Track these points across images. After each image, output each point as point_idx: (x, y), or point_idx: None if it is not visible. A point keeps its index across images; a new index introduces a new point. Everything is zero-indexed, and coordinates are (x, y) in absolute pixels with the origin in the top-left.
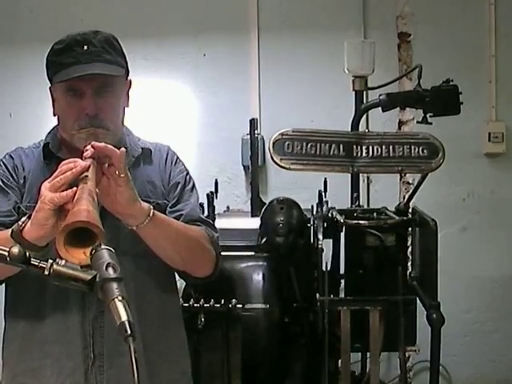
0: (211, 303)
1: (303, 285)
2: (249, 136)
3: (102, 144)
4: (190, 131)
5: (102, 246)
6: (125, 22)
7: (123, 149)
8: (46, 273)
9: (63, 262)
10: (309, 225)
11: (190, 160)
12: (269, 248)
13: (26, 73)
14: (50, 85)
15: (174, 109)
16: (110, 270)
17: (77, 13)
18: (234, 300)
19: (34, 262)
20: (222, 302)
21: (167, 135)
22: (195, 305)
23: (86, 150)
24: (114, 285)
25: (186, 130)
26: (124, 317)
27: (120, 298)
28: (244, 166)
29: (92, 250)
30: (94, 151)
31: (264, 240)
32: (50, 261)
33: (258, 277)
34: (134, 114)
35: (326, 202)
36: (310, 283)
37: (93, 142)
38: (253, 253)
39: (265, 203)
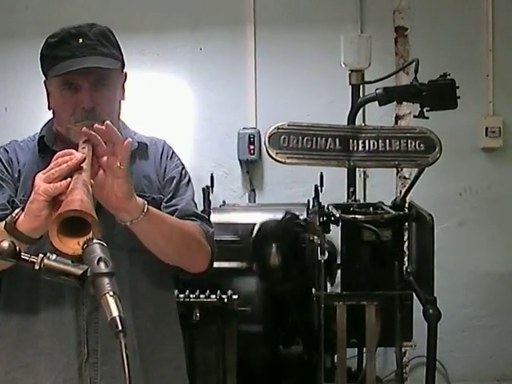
0: (206, 293)
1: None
2: (245, 130)
3: (115, 128)
4: (186, 125)
5: (94, 240)
6: (121, 16)
7: (130, 139)
8: (37, 267)
9: (54, 256)
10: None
11: (187, 154)
12: (262, 273)
13: (21, 67)
14: (44, 79)
15: (171, 103)
16: (102, 265)
17: (73, 7)
18: (229, 291)
19: (24, 256)
20: (218, 296)
21: (163, 129)
22: (190, 298)
23: (87, 133)
24: (106, 280)
25: (183, 124)
26: (115, 312)
27: (111, 293)
28: (240, 161)
29: (84, 244)
30: (101, 131)
31: (257, 265)
32: (41, 255)
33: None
34: (131, 108)
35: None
36: (307, 304)
37: (106, 122)
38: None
39: None
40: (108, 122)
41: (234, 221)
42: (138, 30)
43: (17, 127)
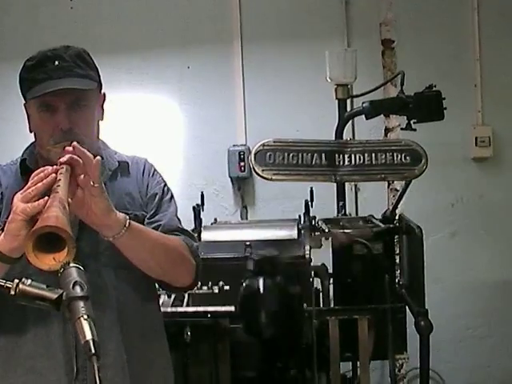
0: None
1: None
2: (235, 147)
3: (83, 149)
4: (176, 144)
5: (71, 264)
6: (109, 37)
7: (99, 157)
8: (12, 292)
9: (29, 281)
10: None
11: (177, 173)
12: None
13: (8, 90)
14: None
15: (160, 122)
16: (77, 289)
17: (60, 29)
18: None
19: None
20: (209, 315)
21: (153, 148)
22: (181, 317)
23: (63, 156)
24: (81, 303)
25: (172, 142)
26: (89, 336)
27: (85, 316)
28: (231, 178)
29: (61, 268)
30: (72, 152)
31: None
32: (16, 280)
33: None
34: (120, 127)
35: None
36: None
37: (74, 143)
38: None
39: None
40: (75, 143)
41: (226, 238)
42: (125, 49)
43: (4, 149)
